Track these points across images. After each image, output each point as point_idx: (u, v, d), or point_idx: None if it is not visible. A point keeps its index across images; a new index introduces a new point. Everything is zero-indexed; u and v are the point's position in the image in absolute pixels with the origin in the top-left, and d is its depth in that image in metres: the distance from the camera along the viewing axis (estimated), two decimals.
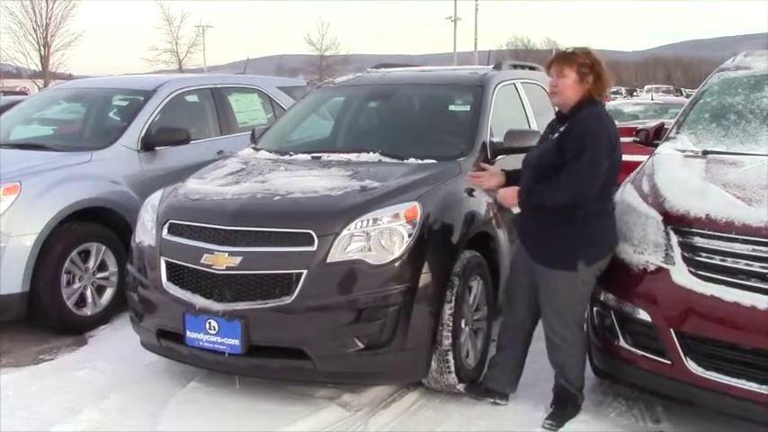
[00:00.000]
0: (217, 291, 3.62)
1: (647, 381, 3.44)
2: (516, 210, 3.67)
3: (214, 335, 3.59)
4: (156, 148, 5.79)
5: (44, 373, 4.34)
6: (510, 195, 3.54)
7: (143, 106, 5.97)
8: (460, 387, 3.79)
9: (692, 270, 3.25)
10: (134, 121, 5.83)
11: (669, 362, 3.28)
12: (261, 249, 3.61)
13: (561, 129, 3.46)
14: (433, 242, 3.69)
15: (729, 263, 3.17)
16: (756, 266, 3.10)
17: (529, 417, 3.63)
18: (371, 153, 4.44)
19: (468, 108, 4.92)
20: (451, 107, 5.30)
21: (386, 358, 3.55)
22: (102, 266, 5.24)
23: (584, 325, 3.62)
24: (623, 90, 46.11)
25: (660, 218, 3.42)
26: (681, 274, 3.27)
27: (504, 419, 3.64)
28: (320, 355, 3.52)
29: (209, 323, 3.59)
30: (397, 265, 3.54)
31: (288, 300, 3.50)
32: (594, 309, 3.62)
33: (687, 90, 47.27)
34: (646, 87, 49.43)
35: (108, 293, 5.27)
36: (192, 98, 6.59)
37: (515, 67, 5.98)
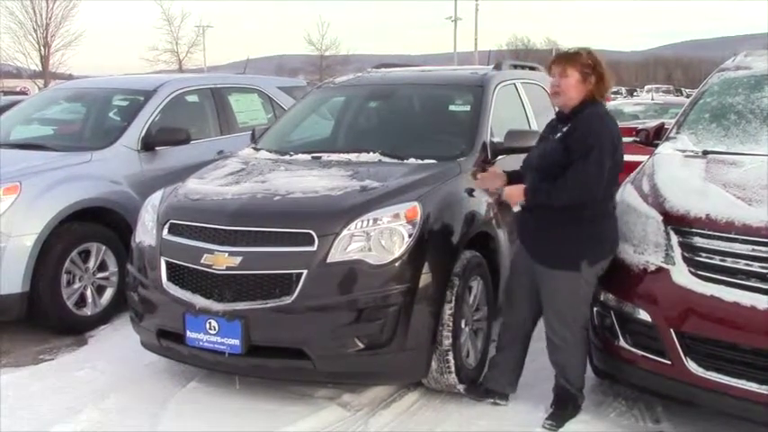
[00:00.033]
0: (217, 291, 3.62)
1: (648, 381, 3.44)
2: (517, 208, 3.66)
3: (214, 335, 3.59)
4: (157, 148, 5.79)
5: (44, 373, 4.34)
6: (516, 194, 3.51)
7: (143, 106, 5.97)
8: (461, 388, 3.79)
9: (693, 270, 3.25)
10: (134, 121, 5.83)
11: (669, 362, 3.28)
12: (261, 249, 3.61)
13: (564, 129, 3.45)
14: (433, 242, 3.69)
15: (729, 263, 3.17)
16: (756, 266, 3.10)
17: (529, 417, 3.63)
18: (371, 153, 4.44)
19: (468, 108, 4.92)
20: (452, 107, 5.30)
21: (386, 358, 3.55)
22: (102, 266, 5.24)
23: (588, 325, 3.61)
24: (623, 90, 46.12)
25: (660, 218, 3.42)
26: (681, 274, 3.27)
27: (504, 419, 3.64)
28: (320, 355, 3.52)
29: (210, 323, 3.59)
30: (397, 265, 3.54)
31: (288, 300, 3.50)
32: (595, 309, 3.62)
33: (687, 90, 47.27)
34: (646, 87, 49.45)
35: (108, 293, 5.27)
36: (192, 98, 6.59)
37: (515, 67, 5.98)
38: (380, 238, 3.57)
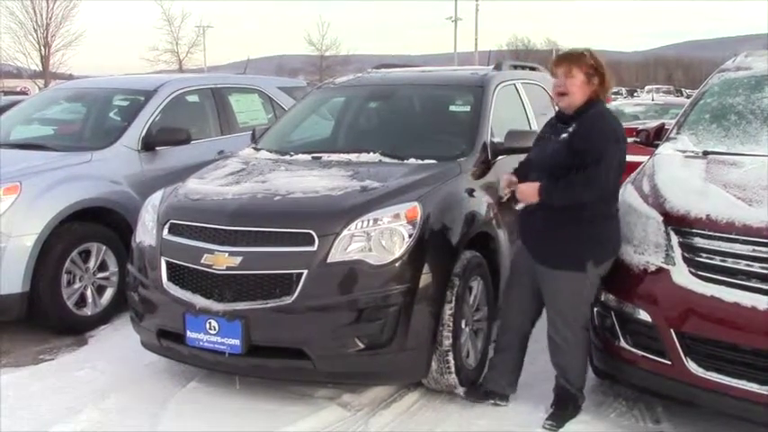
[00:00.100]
0: (217, 291, 3.62)
1: (648, 381, 3.44)
2: (521, 205, 3.61)
3: (214, 335, 3.59)
4: (157, 148, 5.78)
5: (44, 373, 4.33)
6: (531, 192, 3.44)
7: (144, 106, 5.96)
8: (460, 391, 3.79)
9: (693, 270, 3.25)
10: (135, 121, 5.82)
11: (669, 362, 3.28)
12: (261, 249, 3.61)
13: (570, 129, 3.43)
14: (433, 242, 3.69)
15: (730, 263, 3.17)
16: (757, 267, 3.10)
17: (529, 417, 3.63)
18: (372, 153, 4.43)
19: (468, 108, 4.92)
20: (452, 107, 5.30)
21: (386, 358, 3.55)
22: (102, 266, 5.24)
23: (589, 325, 3.61)
24: (624, 90, 46.14)
25: (661, 218, 3.42)
26: (681, 275, 3.27)
27: (504, 420, 3.63)
28: (320, 355, 3.52)
29: (210, 323, 3.59)
30: (397, 265, 3.54)
31: (288, 300, 3.50)
32: (595, 309, 3.62)
33: (688, 90, 47.31)
34: (646, 88, 49.48)
35: (108, 293, 5.26)
36: (192, 98, 6.59)
37: (516, 67, 5.98)
38: (381, 239, 3.57)
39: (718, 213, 3.24)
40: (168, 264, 3.83)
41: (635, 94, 39.72)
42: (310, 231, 3.56)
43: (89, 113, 6.42)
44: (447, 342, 3.68)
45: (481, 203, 4.16)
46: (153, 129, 5.81)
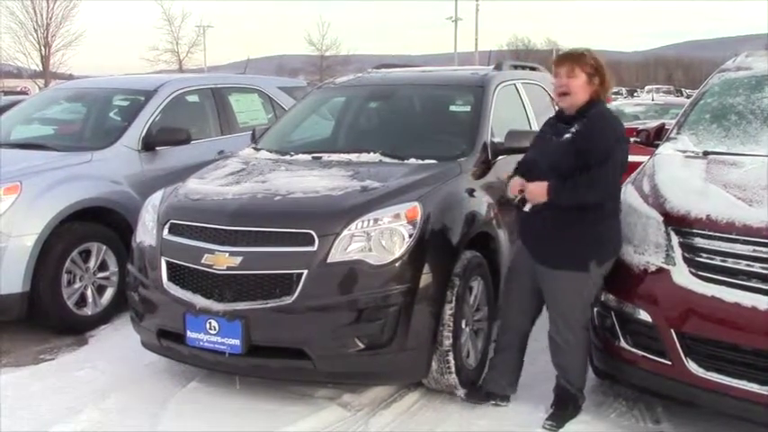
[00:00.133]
0: (217, 291, 3.62)
1: (648, 381, 3.44)
2: (527, 207, 3.59)
3: (214, 335, 3.59)
4: (157, 148, 5.79)
5: (44, 373, 4.33)
6: (539, 192, 3.41)
7: (144, 106, 5.97)
8: (461, 394, 3.79)
9: (693, 271, 3.25)
10: (135, 121, 5.83)
11: (670, 362, 3.28)
12: (261, 249, 3.60)
13: (572, 129, 3.43)
14: (433, 242, 3.69)
15: (730, 263, 3.17)
16: (757, 267, 3.10)
17: (529, 417, 3.63)
18: (372, 153, 4.43)
19: (468, 108, 4.92)
20: (452, 107, 5.30)
21: (386, 358, 3.55)
22: (102, 266, 5.24)
23: (589, 326, 3.60)
24: (624, 90, 46.14)
25: (661, 218, 3.42)
26: (681, 275, 3.27)
27: (504, 420, 3.63)
28: (320, 355, 3.52)
29: (210, 323, 3.59)
30: (397, 265, 3.54)
31: (288, 300, 3.50)
32: (595, 309, 3.62)
33: (688, 90, 47.29)
34: (646, 88, 49.48)
35: (108, 293, 5.27)
36: (192, 98, 6.59)
37: (516, 67, 5.98)
38: (381, 239, 3.57)
39: (719, 213, 3.24)
40: (168, 264, 3.83)
41: (635, 94, 39.72)
42: (310, 231, 3.56)
43: (89, 113, 6.43)
44: (447, 342, 3.68)
45: (481, 203, 4.16)
46: (153, 129, 5.81)
